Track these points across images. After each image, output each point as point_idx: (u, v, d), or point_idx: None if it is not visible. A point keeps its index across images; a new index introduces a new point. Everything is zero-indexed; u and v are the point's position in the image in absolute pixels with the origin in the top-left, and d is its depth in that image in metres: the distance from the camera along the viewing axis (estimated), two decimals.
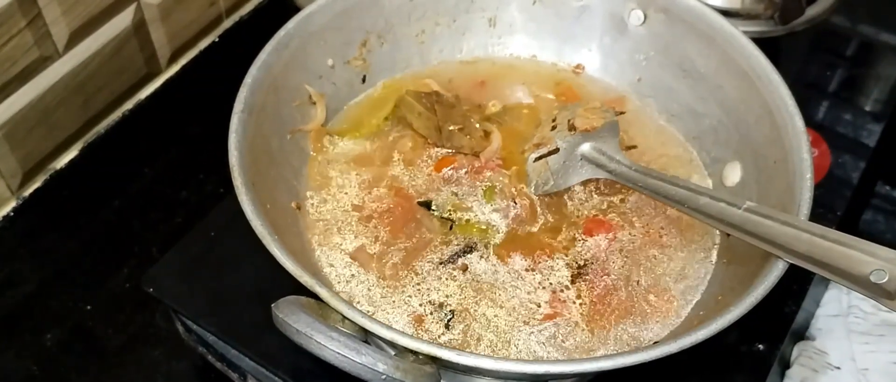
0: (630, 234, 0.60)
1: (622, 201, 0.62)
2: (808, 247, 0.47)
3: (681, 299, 0.58)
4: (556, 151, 0.61)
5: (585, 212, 0.62)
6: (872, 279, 0.44)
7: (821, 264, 0.47)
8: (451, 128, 0.64)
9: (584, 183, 0.62)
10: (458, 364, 0.45)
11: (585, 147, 0.61)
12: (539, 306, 0.56)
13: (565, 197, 0.62)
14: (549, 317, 0.56)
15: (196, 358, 0.65)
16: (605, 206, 0.62)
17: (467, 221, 0.60)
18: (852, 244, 0.46)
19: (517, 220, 0.61)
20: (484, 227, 0.60)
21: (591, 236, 0.60)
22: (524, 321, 0.56)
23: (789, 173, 0.56)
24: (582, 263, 0.59)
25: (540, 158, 0.62)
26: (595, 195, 0.62)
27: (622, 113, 0.66)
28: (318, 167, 0.63)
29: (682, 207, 0.54)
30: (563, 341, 0.55)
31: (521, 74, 0.71)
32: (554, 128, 0.63)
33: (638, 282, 0.58)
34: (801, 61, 0.89)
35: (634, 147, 0.65)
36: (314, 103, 0.64)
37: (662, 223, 0.61)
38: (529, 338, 0.55)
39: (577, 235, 0.60)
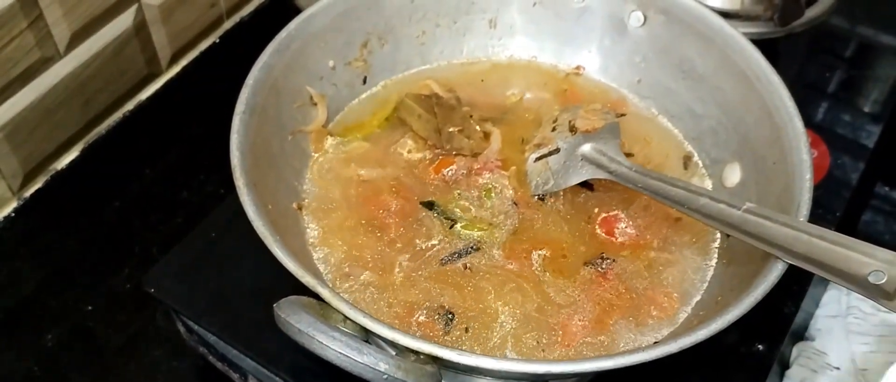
0: (632, 235, 0.61)
1: (624, 202, 0.62)
2: (806, 248, 0.47)
3: (681, 300, 0.58)
4: (557, 151, 0.62)
5: (587, 213, 0.62)
6: (871, 279, 0.44)
7: (819, 264, 0.47)
8: (451, 130, 0.64)
9: (587, 184, 0.62)
10: (459, 363, 0.46)
11: (586, 148, 0.61)
12: (540, 305, 0.56)
13: (567, 198, 0.62)
14: (550, 317, 0.56)
15: (197, 358, 0.65)
16: (606, 207, 0.62)
17: (469, 220, 0.60)
18: (851, 245, 0.46)
19: (517, 220, 0.61)
20: (485, 227, 0.60)
21: (593, 236, 0.60)
22: (525, 321, 0.56)
23: (789, 174, 0.56)
24: (583, 263, 0.59)
25: (540, 158, 0.62)
26: (597, 197, 0.62)
27: (623, 115, 0.66)
28: (319, 168, 0.63)
29: (681, 207, 0.54)
30: (563, 340, 0.55)
31: (521, 74, 0.71)
32: (554, 129, 0.64)
33: (639, 283, 0.58)
34: (800, 63, 0.89)
35: (631, 155, 0.65)
36: (315, 104, 0.65)
37: (664, 225, 0.61)
38: (530, 337, 0.55)
39: (578, 236, 0.60)
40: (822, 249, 0.47)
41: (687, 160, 0.66)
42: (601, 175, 0.60)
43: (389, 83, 0.70)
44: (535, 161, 0.63)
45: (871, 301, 0.46)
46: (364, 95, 0.69)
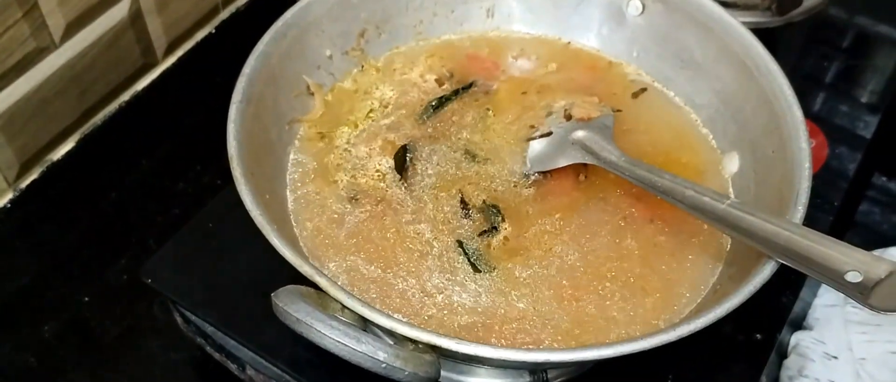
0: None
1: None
2: (787, 244, 0.48)
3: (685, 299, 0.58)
4: (549, 134, 0.63)
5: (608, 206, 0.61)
6: (848, 278, 0.45)
7: (800, 261, 0.47)
8: None
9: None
10: (457, 352, 0.46)
11: (579, 134, 0.61)
12: (554, 290, 0.56)
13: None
14: (567, 301, 0.56)
15: (194, 349, 0.65)
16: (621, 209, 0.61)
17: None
18: (829, 244, 0.46)
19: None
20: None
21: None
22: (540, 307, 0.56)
23: (787, 163, 0.56)
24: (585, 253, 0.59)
25: (532, 139, 0.64)
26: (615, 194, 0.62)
27: (619, 110, 0.66)
28: (316, 157, 0.63)
29: (667, 197, 0.55)
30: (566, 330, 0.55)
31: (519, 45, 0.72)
32: (550, 114, 0.65)
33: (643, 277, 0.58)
34: (798, 52, 0.89)
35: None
36: (312, 94, 0.64)
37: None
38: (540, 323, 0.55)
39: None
40: (802, 246, 0.47)
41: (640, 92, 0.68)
42: (590, 160, 0.60)
43: (385, 57, 0.69)
44: (527, 141, 0.64)
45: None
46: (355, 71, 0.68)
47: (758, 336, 0.64)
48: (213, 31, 0.89)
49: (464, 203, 0.60)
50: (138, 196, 0.76)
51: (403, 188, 0.61)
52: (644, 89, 0.68)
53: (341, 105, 0.66)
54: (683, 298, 0.57)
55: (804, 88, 0.82)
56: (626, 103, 0.67)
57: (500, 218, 0.59)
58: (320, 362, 0.58)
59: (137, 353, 0.67)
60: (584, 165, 0.62)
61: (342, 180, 0.61)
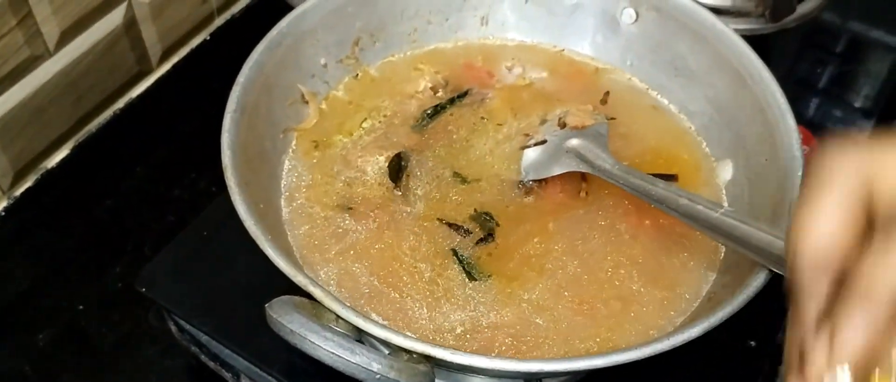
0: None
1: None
2: (781, 254, 0.47)
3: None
4: (544, 142, 0.63)
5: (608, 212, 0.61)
6: None
7: None
8: None
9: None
10: (452, 362, 0.46)
11: (574, 142, 0.62)
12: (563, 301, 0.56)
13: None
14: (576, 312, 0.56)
15: (189, 358, 0.65)
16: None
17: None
18: None
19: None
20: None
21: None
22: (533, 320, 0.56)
23: (781, 172, 0.57)
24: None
25: (526, 147, 0.64)
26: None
27: (613, 119, 0.66)
28: (311, 166, 0.63)
29: (661, 206, 0.55)
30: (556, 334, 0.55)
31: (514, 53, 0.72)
32: (544, 122, 0.65)
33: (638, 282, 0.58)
34: (792, 59, 0.89)
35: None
36: (307, 103, 0.64)
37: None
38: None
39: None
40: None
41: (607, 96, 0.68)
42: (584, 168, 0.60)
43: (379, 65, 0.69)
44: (522, 149, 0.64)
45: None
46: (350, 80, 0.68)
47: (752, 342, 0.64)
48: (208, 38, 0.89)
49: (455, 226, 0.60)
50: (133, 203, 0.76)
51: (398, 197, 0.61)
52: (607, 93, 0.68)
53: (336, 114, 0.66)
54: (683, 301, 0.57)
55: (798, 93, 0.83)
56: (619, 110, 0.68)
57: (494, 223, 0.59)
58: (315, 371, 0.58)
59: (132, 361, 0.66)
60: (585, 180, 0.62)
61: (337, 189, 0.61)
